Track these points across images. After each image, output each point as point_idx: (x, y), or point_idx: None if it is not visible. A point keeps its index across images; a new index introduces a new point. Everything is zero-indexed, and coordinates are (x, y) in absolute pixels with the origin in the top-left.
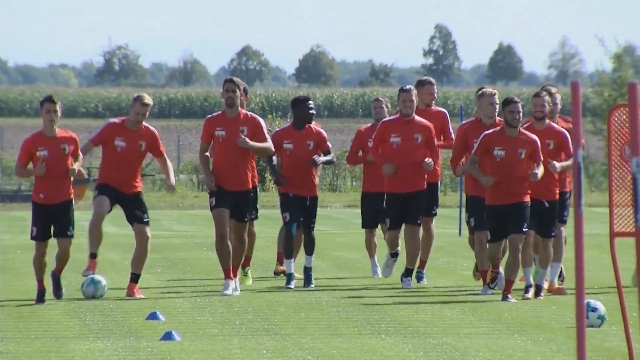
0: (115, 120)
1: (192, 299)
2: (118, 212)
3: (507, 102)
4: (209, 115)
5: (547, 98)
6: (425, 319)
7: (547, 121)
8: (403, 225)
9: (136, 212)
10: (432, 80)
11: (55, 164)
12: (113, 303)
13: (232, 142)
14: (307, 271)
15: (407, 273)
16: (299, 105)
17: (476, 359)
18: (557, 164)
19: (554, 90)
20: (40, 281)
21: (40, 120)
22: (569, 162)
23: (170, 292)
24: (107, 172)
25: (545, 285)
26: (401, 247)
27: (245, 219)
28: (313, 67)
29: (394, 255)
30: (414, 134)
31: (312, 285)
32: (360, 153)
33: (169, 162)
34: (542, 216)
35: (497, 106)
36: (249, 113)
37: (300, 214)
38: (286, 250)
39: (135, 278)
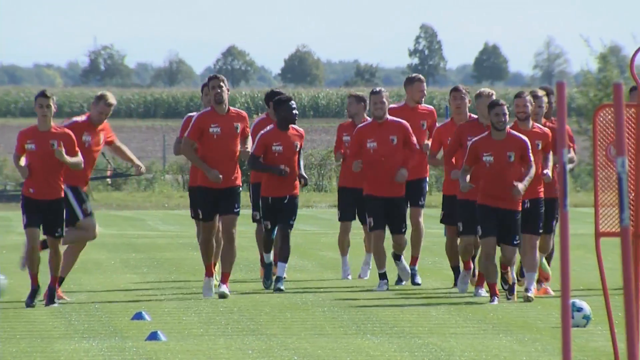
0: (78, 119)
1: (177, 299)
2: (104, 212)
3: (493, 105)
4: (198, 112)
5: (528, 98)
6: (410, 319)
7: (532, 122)
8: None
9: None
10: (422, 77)
11: (42, 159)
12: (98, 303)
13: (226, 139)
14: (278, 280)
15: (382, 276)
16: (283, 105)
17: (462, 358)
18: (549, 172)
19: (540, 93)
20: (34, 276)
21: (26, 121)
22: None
23: (155, 292)
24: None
25: (534, 292)
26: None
27: (235, 210)
28: (298, 67)
29: (384, 277)
30: (389, 136)
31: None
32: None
33: (124, 147)
34: (526, 215)
35: None
36: (236, 110)
37: (277, 216)
38: (265, 246)
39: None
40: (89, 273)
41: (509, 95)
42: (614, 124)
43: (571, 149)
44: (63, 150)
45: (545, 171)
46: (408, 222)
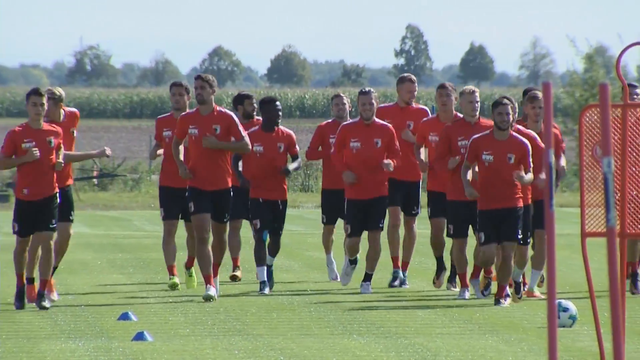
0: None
1: (164, 300)
2: (91, 212)
3: (496, 104)
4: (184, 113)
5: (511, 106)
6: (397, 319)
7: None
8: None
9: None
10: (413, 77)
11: (40, 157)
12: (85, 303)
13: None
14: (268, 268)
15: (366, 278)
16: (267, 106)
17: (448, 358)
18: (537, 178)
19: (540, 95)
20: (19, 276)
21: (13, 121)
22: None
23: (142, 292)
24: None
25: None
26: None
27: (225, 220)
28: (285, 68)
29: (353, 262)
30: (373, 139)
31: (268, 288)
32: (320, 148)
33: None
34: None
35: (478, 104)
36: (223, 109)
37: (271, 218)
38: (258, 258)
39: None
40: (75, 273)
41: (494, 96)
42: (600, 124)
43: (562, 156)
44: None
45: (520, 174)
46: (401, 227)
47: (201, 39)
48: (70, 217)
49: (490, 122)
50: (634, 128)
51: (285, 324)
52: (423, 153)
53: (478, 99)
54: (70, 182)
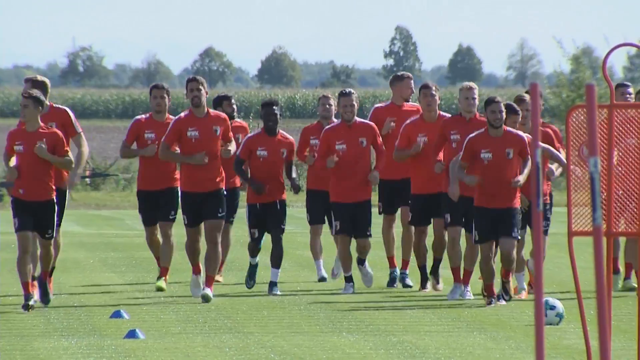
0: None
1: (155, 298)
2: (83, 211)
3: (489, 102)
4: (177, 116)
5: (504, 103)
6: (386, 317)
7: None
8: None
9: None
10: (410, 75)
11: (30, 160)
12: (77, 301)
13: (205, 142)
14: (272, 286)
15: (348, 279)
16: (263, 109)
17: (436, 356)
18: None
19: (528, 97)
20: (25, 284)
21: (6, 121)
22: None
23: (134, 290)
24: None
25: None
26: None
27: (219, 215)
28: (275, 69)
29: (350, 280)
30: (358, 139)
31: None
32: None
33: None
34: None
35: (475, 100)
36: (215, 111)
37: (268, 221)
38: (251, 252)
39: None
40: (68, 272)
41: (482, 96)
42: (586, 124)
43: (560, 150)
44: (45, 147)
45: (517, 179)
46: (398, 223)
47: (193, 40)
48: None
49: (485, 119)
50: (620, 128)
51: (276, 322)
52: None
53: (476, 95)
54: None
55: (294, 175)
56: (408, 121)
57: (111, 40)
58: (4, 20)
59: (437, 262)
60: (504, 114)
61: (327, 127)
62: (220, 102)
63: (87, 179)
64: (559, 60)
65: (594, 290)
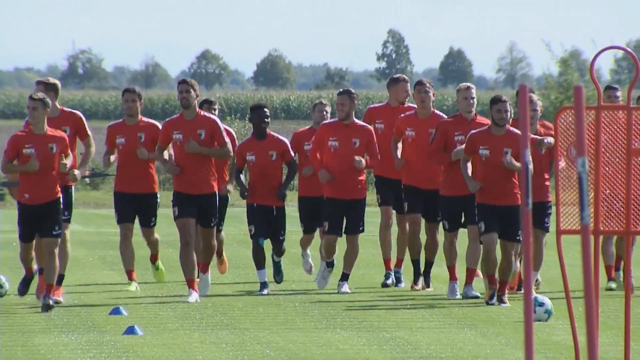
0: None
1: (153, 295)
2: (82, 210)
3: (495, 101)
4: (167, 119)
5: (509, 103)
6: (379, 313)
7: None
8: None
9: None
10: (406, 77)
11: (41, 163)
12: (77, 299)
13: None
14: (276, 264)
15: (343, 277)
16: (252, 113)
17: (428, 351)
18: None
19: (535, 98)
20: (28, 269)
21: (6, 122)
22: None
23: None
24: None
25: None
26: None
27: (212, 224)
28: (270, 71)
29: (330, 265)
30: (352, 139)
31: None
32: (296, 155)
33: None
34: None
35: (473, 100)
36: (207, 114)
37: (267, 224)
38: (256, 262)
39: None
40: (68, 270)
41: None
42: (574, 125)
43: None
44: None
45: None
46: (396, 225)
47: (190, 43)
48: (65, 216)
49: (486, 120)
50: (607, 129)
51: (271, 319)
52: (399, 149)
53: (474, 95)
54: (72, 182)
55: (284, 181)
56: (402, 115)
57: (110, 43)
58: (6, 23)
59: (428, 265)
60: (509, 114)
61: (325, 122)
62: (200, 106)
63: (87, 179)
64: (548, 63)
65: (581, 288)
